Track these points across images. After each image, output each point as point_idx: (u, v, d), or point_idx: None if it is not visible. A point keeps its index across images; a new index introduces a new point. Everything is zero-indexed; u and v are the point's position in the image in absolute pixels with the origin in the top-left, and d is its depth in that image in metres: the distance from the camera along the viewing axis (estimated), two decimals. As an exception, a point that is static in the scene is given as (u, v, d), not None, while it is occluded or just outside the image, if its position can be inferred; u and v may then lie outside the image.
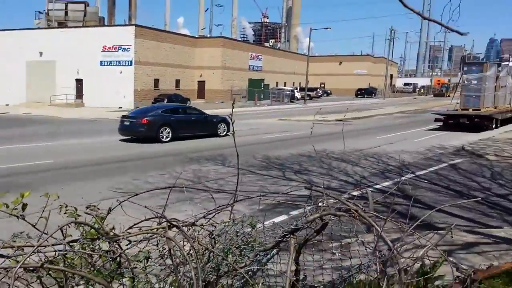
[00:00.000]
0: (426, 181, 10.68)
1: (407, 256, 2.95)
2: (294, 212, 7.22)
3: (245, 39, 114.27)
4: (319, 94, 70.19)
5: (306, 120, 28.46)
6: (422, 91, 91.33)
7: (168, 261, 2.29)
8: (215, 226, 2.69)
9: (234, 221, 2.68)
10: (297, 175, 11.38)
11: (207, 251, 2.45)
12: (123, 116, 19.11)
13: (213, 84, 52.97)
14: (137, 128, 17.93)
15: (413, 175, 11.19)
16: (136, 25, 46.66)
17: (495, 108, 24.62)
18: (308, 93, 58.54)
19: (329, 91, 79.84)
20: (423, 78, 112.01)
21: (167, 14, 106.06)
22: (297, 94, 60.03)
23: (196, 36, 62.70)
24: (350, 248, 2.94)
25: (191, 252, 2.18)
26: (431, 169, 12.45)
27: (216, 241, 2.61)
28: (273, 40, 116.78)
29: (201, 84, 54.25)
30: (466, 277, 3.42)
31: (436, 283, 3.18)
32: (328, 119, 29.17)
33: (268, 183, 10.22)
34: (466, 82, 23.22)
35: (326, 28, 58.48)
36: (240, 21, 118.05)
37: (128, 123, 18.23)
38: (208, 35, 79.96)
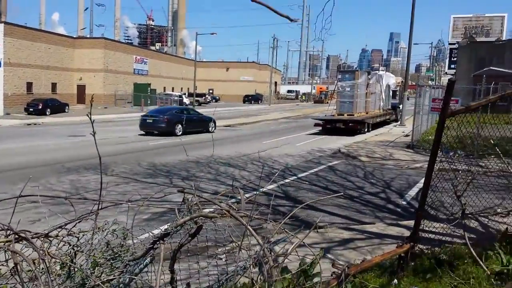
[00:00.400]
0: (307, 183, 11.24)
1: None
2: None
3: (129, 41, 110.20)
4: (208, 100, 70.45)
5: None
6: (303, 97, 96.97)
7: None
8: (78, 237, 2.44)
9: (100, 229, 2.46)
10: (185, 181, 11.19)
11: (64, 264, 2.20)
12: (144, 115, 24.20)
13: (95, 88, 49.86)
14: (159, 124, 22.85)
15: (295, 177, 11.72)
16: (5, 23, 42.03)
17: (367, 113, 26.99)
18: (197, 98, 58.40)
19: (217, 97, 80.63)
20: (305, 85, 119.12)
21: (42, 11, 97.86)
22: (186, 100, 59.53)
23: (75, 37, 58.59)
24: (237, 252, 2.91)
25: (41, 266, 1.94)
26: (312, 171, 13.16)
27: (77, 253, 2.37)
28: (159, 44, 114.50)
29: (81, 88, 50.80)
30: (341, 272, 3.60)
31: (315, 280, 3.28)
32: (217, 124, 29.33)
33: (154, 191, 9.86)
34: (340, 89, 25.10)
35: (212, 34, 58.74)
36: (123, 21, 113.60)
37: (151, 121, 23.22)
38: (88, 36, 75.40)
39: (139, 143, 19.80)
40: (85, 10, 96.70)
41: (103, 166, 13.04)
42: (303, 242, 2.80)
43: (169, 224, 2.51)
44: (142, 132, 23.34)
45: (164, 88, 65.87)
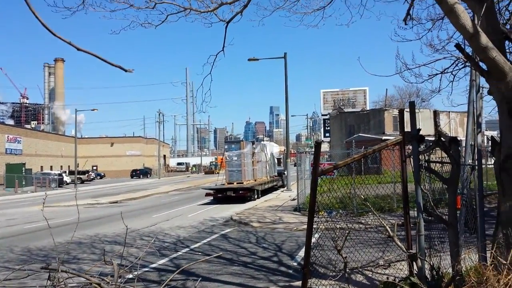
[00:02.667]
0: (200, 253, 10.97)
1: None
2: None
3: (1, 120, 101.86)
4: (92, 177, 66.72)
5: (77, 205, 26.29)
6: (194, 169, 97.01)
7: None
8: None
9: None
10: (65, 265, 10.13)
11: None
12: None
13: (-42, 171, 44.41)
14: None
15: (188, 249, 11.38)
16: None
17: (255, 180, 27.87)
18: (79, 176, 54.99)
19: (102, 174, 76.84)
20: (195, 157, 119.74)
21: None
22: (66, 178, 55.67)
23: None
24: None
25: None
26: (205, 241, 12.93)
27: None
28: (35, 122, 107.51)
29: None
30: None
31: None
32: (101, 202, 27.69)
33: (28, 279, 8.74)
34: (228, 158, 25.77)
35: (93, 110, 57.16)
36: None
37: None
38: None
39: (11, 228, 17.72)
40: None
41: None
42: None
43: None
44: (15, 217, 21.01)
45: (42, 167, 61.14)
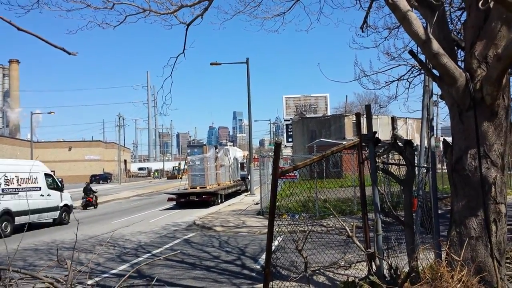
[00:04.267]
0: (162, 259, 10.82)
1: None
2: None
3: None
4: (49, 183, 64.40)
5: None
6: (156, 174, 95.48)
7: None
8: None
9: None
10: (21, 271, 9.75)
11: None
12: None
13: None
14: None
15: (149, 254, 11.21)
16: None
17: (219, 184, 27.75)
18: (34, 182, 52.94)
19: (60, 179, 74.25)
20: (157, 162, 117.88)
21: None
22: (21, 184, 53.47)
23: None
24: None
25: None
26: (167, 246, 12.77)
27: None
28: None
29: None
30: None
31: None
32: (58, 208, 26.74)
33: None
34: (191, 162, 25.57)
35: (50, 113, 55.42)
36: None
37: None
38: None
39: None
40: None
41: None
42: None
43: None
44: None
45: (-5, 172, 58.44)
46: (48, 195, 18.51)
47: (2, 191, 15.92)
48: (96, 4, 7.41)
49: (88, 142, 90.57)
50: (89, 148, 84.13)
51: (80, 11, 7.26)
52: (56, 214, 18.89)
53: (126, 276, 2.91)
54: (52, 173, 20.55)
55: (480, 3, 4.13)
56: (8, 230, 15.61)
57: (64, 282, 2.44)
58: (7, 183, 16.18)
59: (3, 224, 15.62)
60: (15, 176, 16.76)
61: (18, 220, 16.41)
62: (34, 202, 17.23)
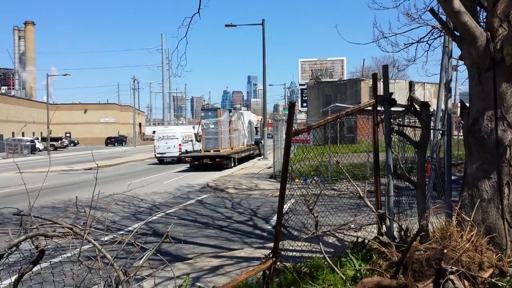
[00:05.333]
0: (176, 218, 11.07)
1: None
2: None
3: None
4: (65, 144, 65.56)
5: (50, 171, 25.90)
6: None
7: None
8: None
9: None
10: (41, 218, 10.09)
11: None
12: None
13: None
14: None
15: (163, 213, 11.45)
16: None
17: (232, 148, 27.91)
18: (52, 143, 54.01)
19: (76, 141, 75.51)
20: (171, 126, 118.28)
21: None
22: (39, 145, 54.56)
23: None
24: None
25: None
26: (180, 206, 13.01)
27: None
28: (5, 87, 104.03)
29: None
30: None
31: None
32: (75, 168, 27.39)
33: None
34: (205, 126, 25.65)
35: (65, 75, 55.75)
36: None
37: None
38: None
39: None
40: None
41: None
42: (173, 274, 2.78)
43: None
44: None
45: (13, 133, 59.64)
46: None
47: None
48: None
49: (104, 104, 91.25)
50: (104, 111, 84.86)
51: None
52: None
53: (138, 226, 2.99)
54: None
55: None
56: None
57: (83, 229, 2.55)
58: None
59: None
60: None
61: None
62: None
